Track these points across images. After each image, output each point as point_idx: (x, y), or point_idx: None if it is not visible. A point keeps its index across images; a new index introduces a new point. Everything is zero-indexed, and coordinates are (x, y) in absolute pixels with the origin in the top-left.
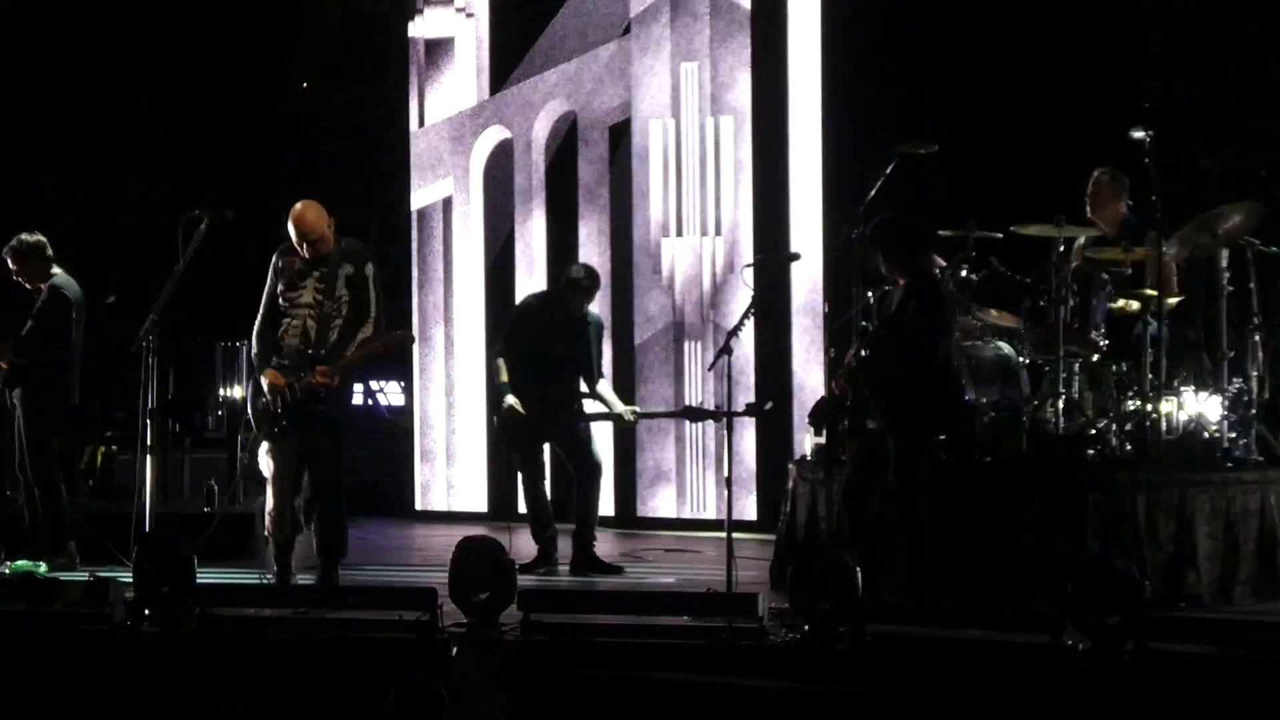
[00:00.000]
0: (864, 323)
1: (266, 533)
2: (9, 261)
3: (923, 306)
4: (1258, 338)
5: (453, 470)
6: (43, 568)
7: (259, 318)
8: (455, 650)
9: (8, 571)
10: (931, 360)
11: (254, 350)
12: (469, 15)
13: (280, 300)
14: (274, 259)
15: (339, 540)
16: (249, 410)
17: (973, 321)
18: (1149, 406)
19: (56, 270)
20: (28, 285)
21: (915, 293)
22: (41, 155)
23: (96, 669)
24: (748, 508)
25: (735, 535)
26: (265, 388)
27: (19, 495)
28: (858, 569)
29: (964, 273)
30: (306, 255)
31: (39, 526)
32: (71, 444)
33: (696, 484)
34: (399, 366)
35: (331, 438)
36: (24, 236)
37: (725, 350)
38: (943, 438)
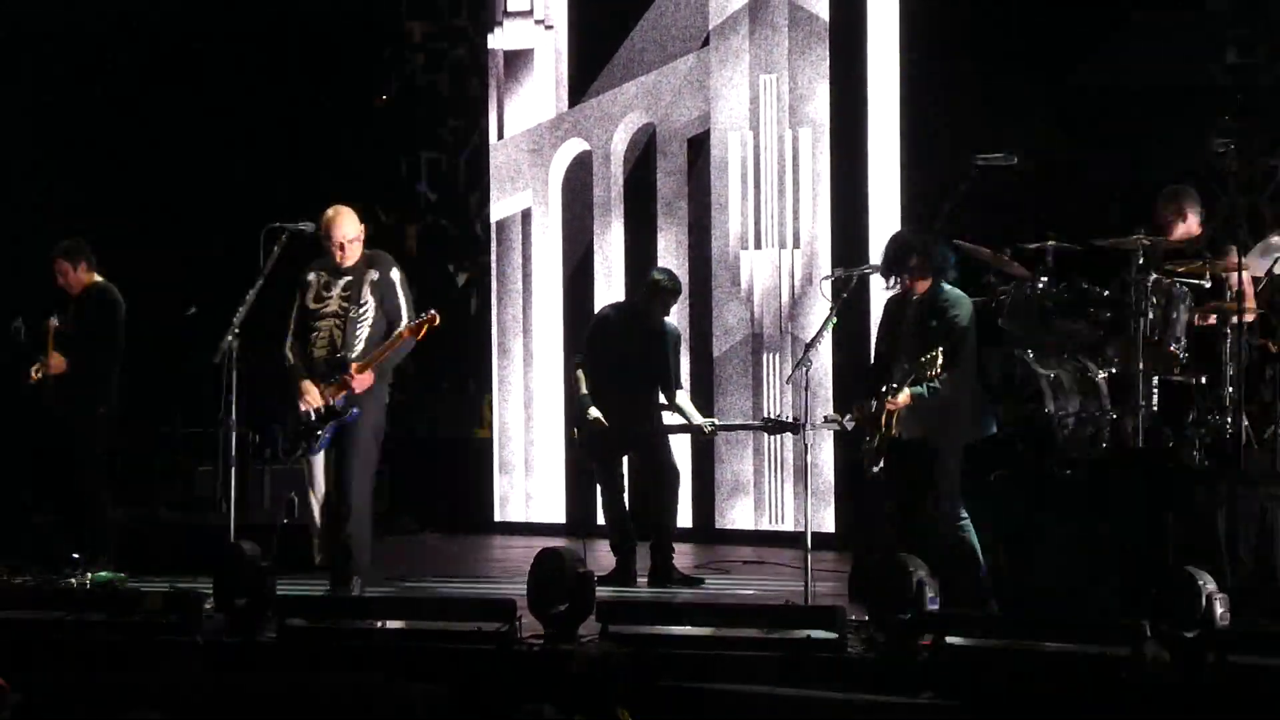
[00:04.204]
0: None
1: (319, 560)
2: (58, 264)
3: (962, 319)
4: None
5: (531, 482)
6: (122, 577)
7: (289, 335)
8: (575, 667)
9: (89, 582)
10: (974, 373)
11: (288, 365)
12: (548, 27)
13: (308, 315)
14: (300, 276)
15: (360, 553)
16: (284, 430)
17: (1053, 334)
18: (1229, 419)
19: (99, 277)
20: (70, 290)
21: (948, 306)
22: (123, 166)
23: (176, 679)
24: (826, 520)
25: (813, 548)
26: (306, 397)
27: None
28: (936, 581)
29: (1044, 285)
30: (339, 259)
31: (81, 535)
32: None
33: (775, 496)
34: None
35: (367, 446)
36: (71, 241)
37: (804, 362)
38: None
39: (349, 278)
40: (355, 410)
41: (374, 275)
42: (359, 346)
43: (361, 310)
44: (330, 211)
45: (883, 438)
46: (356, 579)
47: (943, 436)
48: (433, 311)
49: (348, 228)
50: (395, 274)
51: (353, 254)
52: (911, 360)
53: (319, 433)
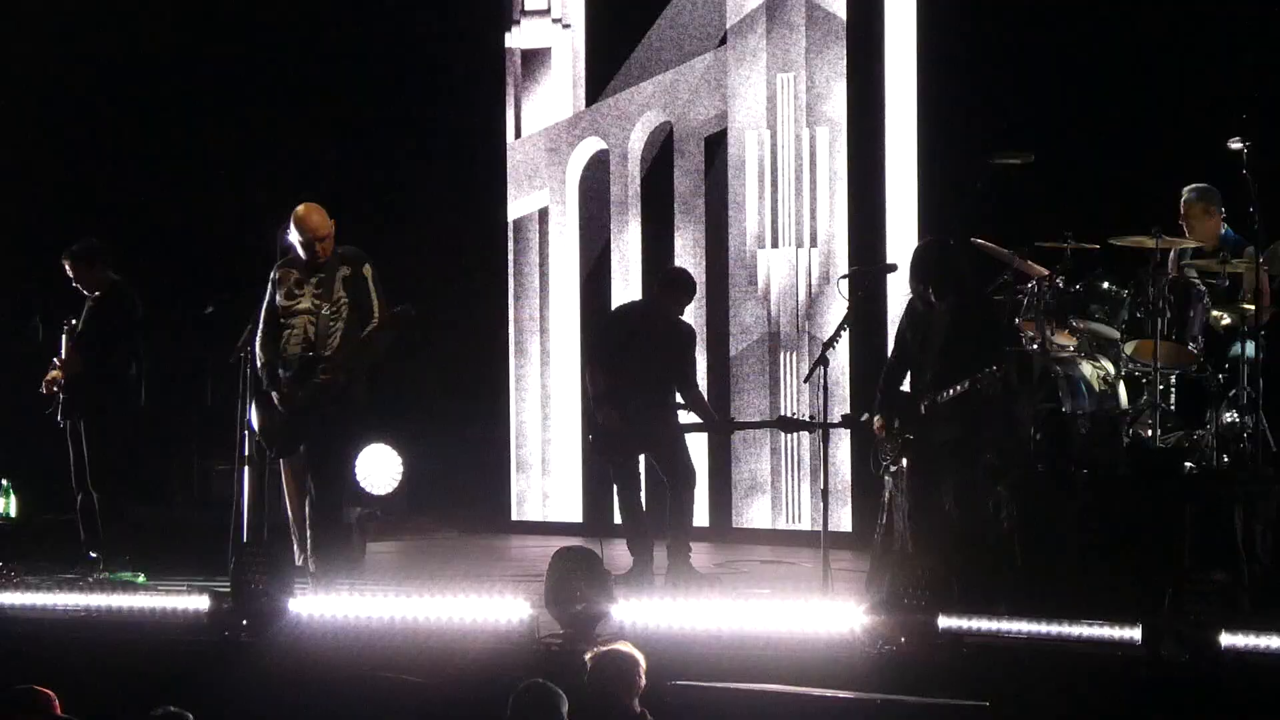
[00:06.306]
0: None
1: (298, 560)
2: (68, 266)
3: (995, 325)
4: None
5: (548, 481)
6: (141, 577)
7: (260, 332)
8: (589, 662)
9: (107, 581)
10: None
11: (259, 363)
12: (565, 26)
13: (280, 311)
14: (272, 272)
15: (337, 551)
16: (257, 431)
17: (1070, 334)
18: (1246, 419)
19: (115, 276)
20: (85, 291)
21: (977, 312)
22: (139, 166)
23: (194, 677)
24: (843, 519)
25: (830, 546)
26: (277, 400)
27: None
28: (954, 580)
29: (1061, 284)
30: (308, 258)
31: (96, 535)
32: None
33: (792, 495)
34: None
35: (341, 445)
36: (84, 242)
37: (821, 361)
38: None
39: (321, 274)
40: (331, 409)
41: (345, 271)
42: (333, 343)
43: (334, 307)
44: (300, 209)
45: (907, 438)
46: (338, 576)
47: (974, 435)
48: (406, 305)
49: (318, 225)
50: (367, 270)
51: (324, 251)
52: (949, 366)
53: (295, 434)
